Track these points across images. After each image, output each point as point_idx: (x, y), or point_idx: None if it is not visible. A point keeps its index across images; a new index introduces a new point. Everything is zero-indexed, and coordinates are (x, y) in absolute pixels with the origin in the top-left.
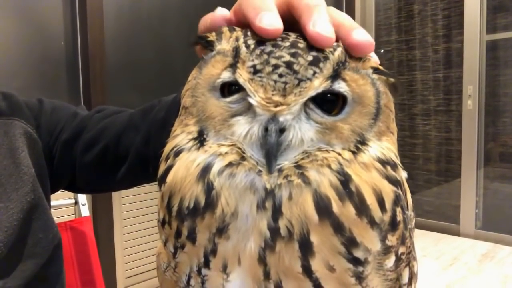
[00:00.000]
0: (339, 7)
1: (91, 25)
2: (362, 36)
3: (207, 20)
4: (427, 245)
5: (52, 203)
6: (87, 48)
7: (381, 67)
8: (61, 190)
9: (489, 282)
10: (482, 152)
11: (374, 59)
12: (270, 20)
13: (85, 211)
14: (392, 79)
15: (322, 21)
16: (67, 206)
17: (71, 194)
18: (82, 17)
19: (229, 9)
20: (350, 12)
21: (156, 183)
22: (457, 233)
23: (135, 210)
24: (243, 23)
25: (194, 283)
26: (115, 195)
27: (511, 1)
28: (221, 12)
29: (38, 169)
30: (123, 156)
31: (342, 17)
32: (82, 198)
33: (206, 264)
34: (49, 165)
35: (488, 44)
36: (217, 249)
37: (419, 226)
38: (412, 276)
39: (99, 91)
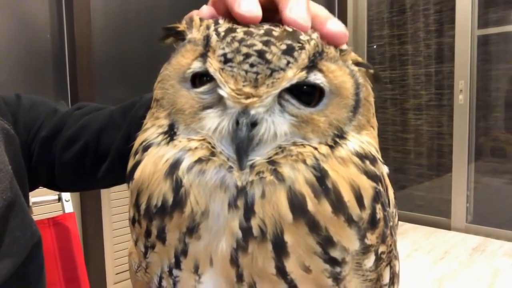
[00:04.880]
0: (331, 2)
1: (78, 17)
2: (336, 26)
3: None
4: (419, 239)
5: (35, 199)
6: (74, 41)
7: (360, 59)
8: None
9: (480, 275)
10: (473, 147)
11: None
12: (248, 6)
13: (69, 208)
14: (371, 71)
15: (299, 8)
16: (51, 202)
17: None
18: (68, 9)
19: None
20: (343, 6)
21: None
22: (448, 227)
23: (124, 206)
24: (224, 14)
25: (166, 284)
26: (104, 191)
27: None
28: (207, 10)
29: (16, 166)
30: (104, 154)
31: (318, 8)
32: (66, 194)
33: (177, 265)
34: (27, 162)
35: (479, 38)
36: (188, 249)
37: (410, 220)
38: (394, 276)
39: (86, 84)
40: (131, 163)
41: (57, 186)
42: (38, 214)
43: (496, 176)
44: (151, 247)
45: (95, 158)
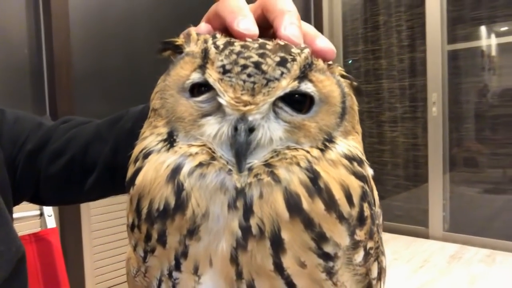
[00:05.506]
0: (308, 18)
1: (56, 31)
2: (324, 43)
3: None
4: (398, 248)
5: (17, 214)
6: (53, 56)
7: (344, 73)
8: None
9: (458, 282)
10: (447, 157)
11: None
12: (247, 25)
13: (51, 223)
14: (355, 83)
15: (293, 26)
16: (33, 218)
17: (36, 205)
18: (46, 23)
19: (201, 15)
20: (318, 23)
21: (126, 194)
22: (426, 236)
23: (105, 222)
24: (219, 29)
25: (165, 287)
26: (84, 206)
27: (469, 13)
28: (205, 27)
29: (0, 181)
30: (90, 167)
31: (308, 26)
32: (48, 209)
33: (177, 267)
34: (11, 177)
35: (449, 53)
36: (188, 251)
37: (389, 230)
38: (381, 271)
39: (66, 100)
40: (131, 170)
41: (42, 200)
42: (18, 230)
43: (470, 185)
44: (150, 251)
45: (82, 171)
